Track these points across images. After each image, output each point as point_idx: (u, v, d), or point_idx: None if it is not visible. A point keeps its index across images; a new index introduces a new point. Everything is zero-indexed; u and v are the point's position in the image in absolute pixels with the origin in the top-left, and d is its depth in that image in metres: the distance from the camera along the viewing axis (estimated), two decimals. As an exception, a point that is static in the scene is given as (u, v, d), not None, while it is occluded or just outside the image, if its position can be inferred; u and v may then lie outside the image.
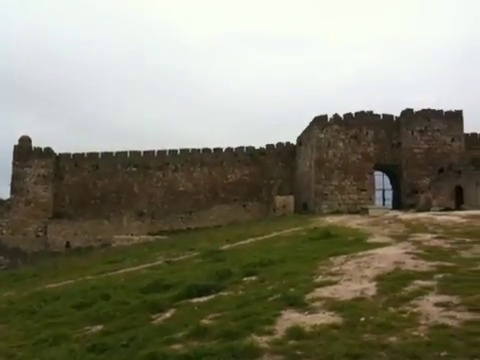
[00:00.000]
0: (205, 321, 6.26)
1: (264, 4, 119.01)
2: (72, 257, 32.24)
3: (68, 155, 45.54)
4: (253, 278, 9.15)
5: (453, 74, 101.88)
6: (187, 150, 45.32)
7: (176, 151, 45.39)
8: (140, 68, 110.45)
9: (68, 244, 42.56)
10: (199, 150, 45.33)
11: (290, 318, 5.87)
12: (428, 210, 25.76)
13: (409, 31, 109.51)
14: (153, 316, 7.31)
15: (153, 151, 45.46)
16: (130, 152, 45.51)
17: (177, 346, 5.48)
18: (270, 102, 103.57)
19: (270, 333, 5.40)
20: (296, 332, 5.28)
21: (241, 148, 45.31)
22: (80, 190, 44.37)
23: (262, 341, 5.15)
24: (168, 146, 45.80)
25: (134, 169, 44.73)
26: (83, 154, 45.55)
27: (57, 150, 45.52)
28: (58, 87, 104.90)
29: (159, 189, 44.57)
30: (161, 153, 45.29)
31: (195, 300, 7.84)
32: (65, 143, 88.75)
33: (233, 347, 4.92)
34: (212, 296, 7.96)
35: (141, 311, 7.63)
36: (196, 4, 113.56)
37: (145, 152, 45.40)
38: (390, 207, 36.47)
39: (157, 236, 34.65)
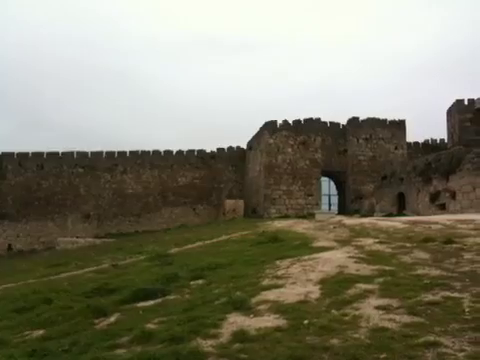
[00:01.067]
0: (150, 325, 6.20)
1: (215, 6, 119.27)
2: (14, 260, 31.02)
3: (12, 154, 43.74)
4: (200, 282, 9.15)
5: (400, 86, 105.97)
6: (137, 152, 44.63)
7: (125, 153, 44.60)
8: (87, 68, 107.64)
9: (10, 246, 40.94)
10: (149, 152, 44.76)
11: (235, 321, 5.91)
12: (372, 215, 26.60)
13: (361, 41, 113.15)
14: (97, 321, 7.15)
15: (101, 152, 44.45)
16: (77, 153, 44.28)
17: (121, 351, 5.39)
18: (221, 106, 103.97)
19: (215, 337, 5.42)
20: (241, 335, 5.33)
21: (192, 151, 45.13)
22: (23, 190, 42.69)
23: (207, 345, 5.16)
24: (117, 148, 45.02)
25: (81, 170, 43.54)
26: (27, 153, 43.86)
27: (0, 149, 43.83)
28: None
29: (107, 191, 43.62)
30: (109, 154, 44.35)
31: (141, 304, 7.74)
32: (9, 142, 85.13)
33: (178, 351, 4.90)
34: (158, 300, 7.89)
35: (84, 316, 7.44)
36: (145, 5, 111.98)
37: (92, 153, 44.28)
38: (336, 212, 37.37)
39: (104, 239, 33.92)
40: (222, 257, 12.05)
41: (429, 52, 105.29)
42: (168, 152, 44.91)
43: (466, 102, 42.32)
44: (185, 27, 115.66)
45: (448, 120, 44.59)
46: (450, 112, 44.20)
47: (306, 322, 5.49)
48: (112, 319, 7.11)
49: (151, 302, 7.79)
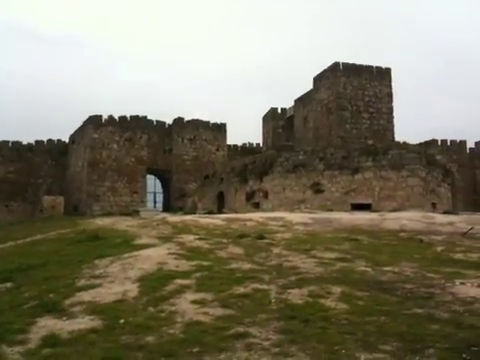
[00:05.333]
0: None
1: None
2: None
3: None
4: (8, 285, 8.36)
5: (223, 90, 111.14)
6: None
7: None
8: None
9: None
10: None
11: (46, 325, 5.54)
12: (194, 213, 27.42)
13: (190, 45, 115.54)
14: None
15: None
16: None
17: None
18: (42, 98, 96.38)
19: (23, 343, 5.00)
20: (52, 340, 5.01)
21: (6, 142, 40.61)
22: None
23: (13, 352, 4.74)
24: None
25: None
26: None
27: None
28: None
29: None
30: None
31: None
32: None
33: (-23, 362, 4.41)
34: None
35: None
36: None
37: None
38: (160, 210, 37.62)
39: None
40: (36, 257, 11.19)
41: (249, 62, 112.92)
42: (-24, 142, 39.94)
43: (279, 110, 46.50)
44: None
45: (263, 126, 48.42)
46: (265, 119, 48.04)
47: (122, 321, 5.41)
48: None
49: None
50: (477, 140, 53.03)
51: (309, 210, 22.23)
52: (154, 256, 9.00)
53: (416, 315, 5.35)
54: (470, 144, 47.58)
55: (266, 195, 25.96)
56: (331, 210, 22.17)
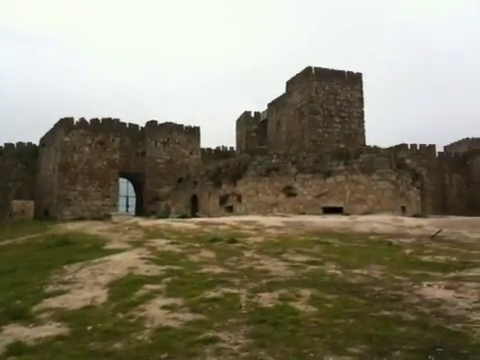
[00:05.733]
0: None
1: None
2: None
3: None
4: (-27, 293, 8.13)
5: (196, 94, 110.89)
6: None
7: None
8: None
9: None
10: None
11: (12, 333, 5.41)
12: (167, 217, 27.25)
13: (161, 49, 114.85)
14: None
15: None
16: None
17: None
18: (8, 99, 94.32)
19: (-13, 352, 4.88)
20: (17, 347, 4.90)
21: (-26, 146, 39.80)
22: None
23: (-24, 362, 4.63)
24: None
25: None
26: None
27: None
28: None
29: None
30: None
31: None
32: None
33: None
34: None
35: None
36: None
37: None
38: (133, 214, 37.28)
39: None
40: (3, 263, 10.93)
41: (225, 64, 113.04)
42: None
43: (253, 114, 46.72)
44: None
45: (237, 130, 48.57)
46: (239, 123, 48.20)
47: (90, 328, 5.33)
48: None
49: None
50: (446, 144, 54.45)
51: (282, 213, 22.37)
52: (124, 261, 8.90)
53: (384, 317, 5.42)
54: (439, 148, 48.82)
55: (239, 199, 26.01)
56: (303, 213, 22.36)
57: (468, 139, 54.64)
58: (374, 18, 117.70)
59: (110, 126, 37.21)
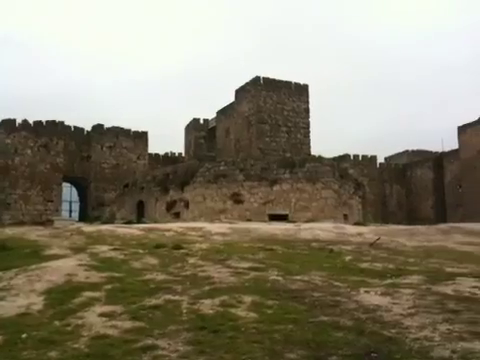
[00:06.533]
0: None
1: None
2: None
3: None
4: None
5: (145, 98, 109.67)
6: None
7: None
8: None
9: None
10: None
11: None
12: (113, 222, 26.68)
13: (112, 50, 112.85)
14: None
15: None
16: None
17: None
18: None
19: None
20: None
21: None
22: None
23: None
24: None
25: None
26: None
27: None
28: None
29: None
30: None
31: None
32: None
33: None
34: None
35: None
36: None
37: None
38: (76, 219, 36.32)
39: None
40: None
41: (174, 70, 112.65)
42: None
43: (202, 121, 46.77)
44: None
45: (186, 136, 48.43)
46: (188, 129, 48.09)
47: (24, 336, 5.14)
48: None
49: None
50: (387, 156, 56.62)
51: (229, 220, 22.45)
52: (64, 267, 8.64)
53: (322, 323, 5.56)
54: (380, 159, 50.75)
55: (187, 205, 25.90)
56: (250, 220, 22.55)
57: (407, 151, 56.99)
58: (323, 32, 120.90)
59: (54, 129, 36.13)
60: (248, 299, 6.46)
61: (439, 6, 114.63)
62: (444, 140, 63.49)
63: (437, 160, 48.93)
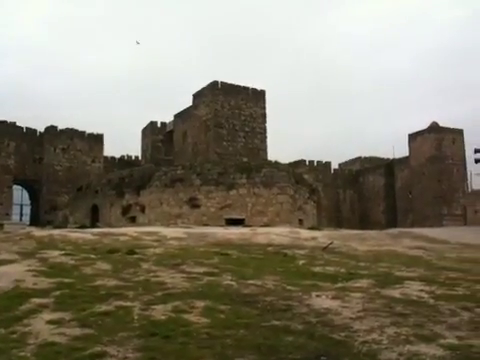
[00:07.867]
0: None
1: None
2: None
3: None
4: None
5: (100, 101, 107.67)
6: None
7: None
8: None
9: None
10: None
11: None
12: (65, 227, 26.00)
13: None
14: None
15: None
16: None
17: None
18: None
19: None
20: None
21: None
22: None
23: None
24: None
25: None
26: None
27: None
28: None
29: None
30: None
31: None
32: None
33: None
34: None
35: None
36: None
37: None
38: (28, 223, 35.19)
39: None
40: None
41: (132, 73, 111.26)
42: None
43: (159, 124, 46.36)
44: None
45: (143, 139, 47.85)
46: (145, 132, 47.55)
47: (-34, 346, 4.95)
48: None
49: None
50: (340, 162, 57.91)
51: (185, 225, 22.35)
52: (11, 273, 8.36)
53: (273, 327, 5.63)
54: (334, 165, 51.86)
55: (143, 209, 25.59)
56: (207, 225, 22.51)
57: (360, 158, 58.42)
58: (281, 37, 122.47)
59: (5, 129, 34.93)
60: (201, 304, 6.45)
61: (391, 14, 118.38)
62: (395, 147, 65.67)
63: (388, 167, 50.48)
